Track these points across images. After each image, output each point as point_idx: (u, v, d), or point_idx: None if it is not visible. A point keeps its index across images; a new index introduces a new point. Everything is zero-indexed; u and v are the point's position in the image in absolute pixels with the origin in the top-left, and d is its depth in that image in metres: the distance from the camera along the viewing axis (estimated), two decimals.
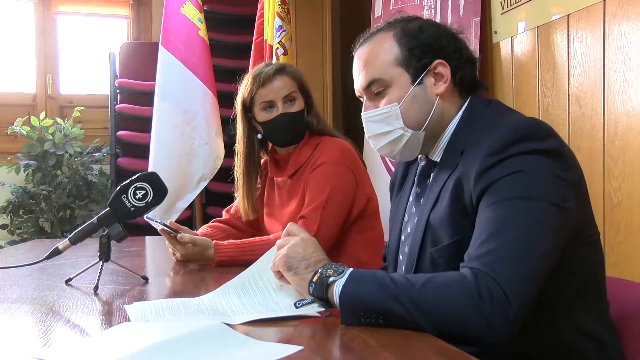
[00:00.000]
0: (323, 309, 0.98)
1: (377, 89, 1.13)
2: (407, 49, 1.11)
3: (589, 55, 2.11)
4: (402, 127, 1.12)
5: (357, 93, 1.19)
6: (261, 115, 1.80)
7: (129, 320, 0.98)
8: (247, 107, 1.83)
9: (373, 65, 1.13)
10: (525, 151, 0.97)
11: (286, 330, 0.95)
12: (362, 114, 1.17)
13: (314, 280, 0.98)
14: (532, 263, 0.91)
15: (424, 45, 1.11)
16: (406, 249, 1.18)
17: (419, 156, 1.20)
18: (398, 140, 1.13)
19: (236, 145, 1.89)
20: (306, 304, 0.99)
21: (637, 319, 1.10)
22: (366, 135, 1.18)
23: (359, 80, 1.16)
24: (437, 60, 1.11)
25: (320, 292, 0.97)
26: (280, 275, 1.06)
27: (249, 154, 1.85)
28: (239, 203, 1.90)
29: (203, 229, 1.92)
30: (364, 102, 1.17)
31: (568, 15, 2.20)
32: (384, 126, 1.13)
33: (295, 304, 1.01)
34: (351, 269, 0.97)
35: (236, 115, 1.86)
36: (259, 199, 1.92)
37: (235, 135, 1.90)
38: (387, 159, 2.97)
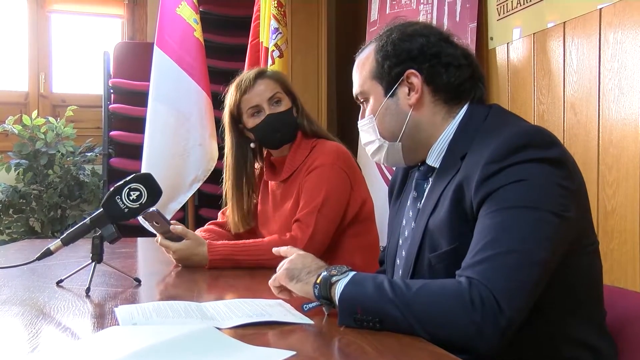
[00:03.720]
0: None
1: (362, 99, 1.19)
2: (380, 62, 1.14)
3: (584, 62, 2.12)
4: (379, 139, 1.16)
5: None
6: (250, 121, 1.79)
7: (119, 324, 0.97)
8: (236, 118, 1.82)
9: (357, 78, 1.19)
10: (527, 159, 0.97)
11: (281, 335, 0.94)
12: (358, 122, 1.22)
13: (317, 282, 0.99)
14: (527, 272, 0.91)
15: (395, 56, 1.12)
16: (403, 253, 1.18)
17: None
18: (380, 149, 1.17)
19: (225, 158, 1.86)
20: (313, 306, 1.01)
21: (633, 328, 1.09)
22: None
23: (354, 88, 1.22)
24: (409, 71, 1.11)
25: (324, 292, 0.98)
26: (279, 291, 1.09)
27: (239, 166, 1.83)
28: (228, 216, 1.88)
29: (198, 232, 1.90)
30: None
31: (564, 22, 2.21)
32: (368, 136, 1.18)
33: (303, 307, 1.02)
34: (354, 272, 0.98)
35: (224, 128, 1.84)
36: (254, 209, 1.90)
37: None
38: (382, 165, 2.97)
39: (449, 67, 1.11)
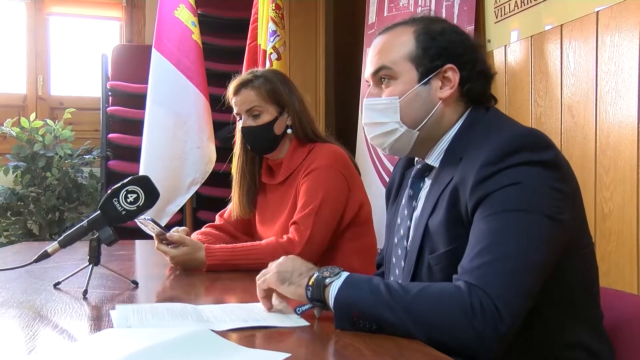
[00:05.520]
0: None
1: (384, 77, 1.13)
2: (422, 48, 1.11)
3: (581, 65, 2.12)
4: (398, 122, 1.12)
5: (365, 79, 1.20)
6: (239, 122, 1.83)
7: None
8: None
9: (385, 54, 1.13)
10: (522, 162, 0.97)
11: (277, 337, 0.94)
12: (364, 99, 1.17)
13: (310, 284, 0.98)
14: (524, 277, 0.91)
15: (440, 47, 1.11)
16: (399, 251, 1.17)
17: (416, 159, 1.20)
18: (391, 133, 1.13)
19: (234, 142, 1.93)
20: (306, 309, 1.00)
21: (630, 330, 1.10)
22: (362, 122, 1.18)
23: (369, 65, 1.17)
24: (449, 65, 1.11)
25: (317, 294, 0.97)
26: (265, 294, 1.06)
27: (245, 152, 1.87)
28: (232, 199, 1.91)
29: (195, 235, 1.90)
30: (369, 87, 1.17)
31: (561, 25, 2.21)
32: (381, 116, 1.13)
33: (296, 310, 1.01)
34: (347, 273, 0.98)
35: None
36: (255, 196, 1.92)
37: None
38: (379, 168, 2.97)
39: (481, 75, 1.13)
